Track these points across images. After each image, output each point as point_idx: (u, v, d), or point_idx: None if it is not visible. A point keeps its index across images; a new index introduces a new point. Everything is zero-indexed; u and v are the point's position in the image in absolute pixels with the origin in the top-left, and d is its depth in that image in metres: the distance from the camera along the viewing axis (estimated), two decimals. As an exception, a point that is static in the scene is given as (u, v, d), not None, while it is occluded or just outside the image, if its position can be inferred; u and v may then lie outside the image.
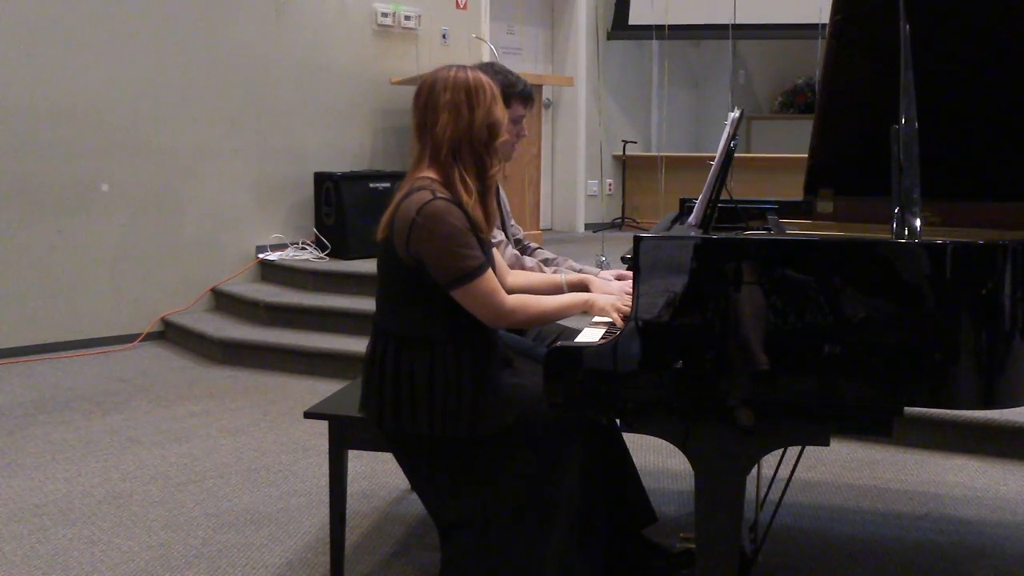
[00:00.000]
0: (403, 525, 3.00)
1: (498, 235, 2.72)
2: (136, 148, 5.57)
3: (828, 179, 2.91)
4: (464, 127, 2.21)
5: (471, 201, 2.20)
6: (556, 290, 2.53)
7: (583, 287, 2.53)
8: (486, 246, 2.25)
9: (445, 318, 2.21)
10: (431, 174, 2.22)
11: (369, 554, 2.79)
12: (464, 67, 2.28)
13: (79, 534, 2.95)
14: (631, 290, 2.51)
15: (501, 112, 2.27)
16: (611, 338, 1.98)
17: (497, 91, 2.28)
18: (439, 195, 2.16)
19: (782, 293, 1.88)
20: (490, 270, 2.20)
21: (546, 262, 2.88)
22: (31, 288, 5.27)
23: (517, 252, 2.80)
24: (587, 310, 2.36)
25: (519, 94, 2.70)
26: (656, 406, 1.99)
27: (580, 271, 2.77)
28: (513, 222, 3.00)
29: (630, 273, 2.50)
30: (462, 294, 2.17)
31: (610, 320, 2.33)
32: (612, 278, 2.65)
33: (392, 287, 2.27)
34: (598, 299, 2.35)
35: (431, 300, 2.20)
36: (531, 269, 2.75)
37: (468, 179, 2.21)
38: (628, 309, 2.39)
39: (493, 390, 2.20)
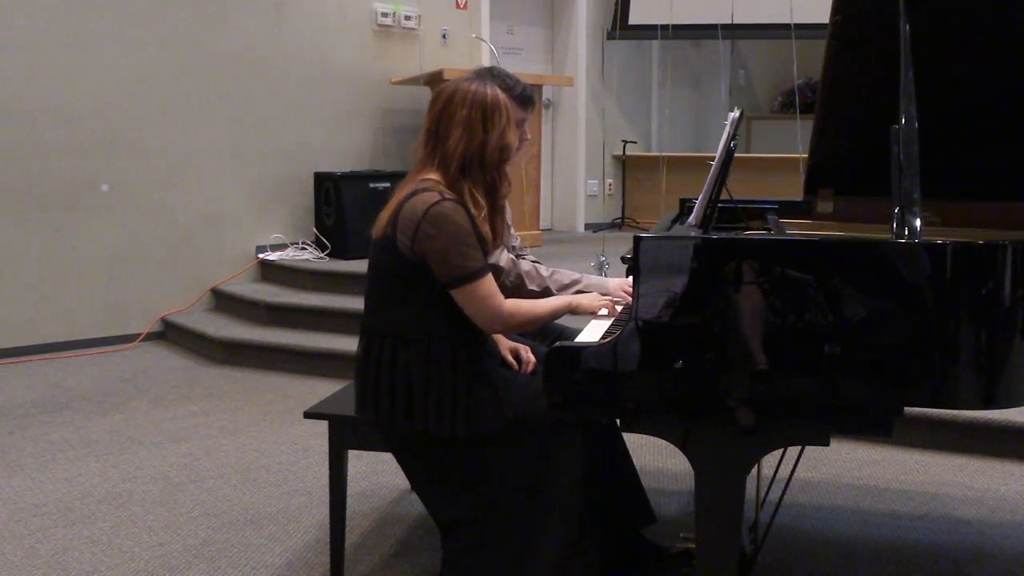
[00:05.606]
0: (403, 525, 3.00)
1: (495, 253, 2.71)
2: (136, 148, 5.57)
3: (828, 179, 2.90)
4: (476, 146, 2.22)
5: (480, 216, 2.21)
6: None
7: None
8: (487, 260, 2.26)
9: (441, 316, 2.21)
10: (436, 177, 2.23)
11: (369, 554, 2.80)
12: (485, 82, 2.28)
13: (79, 534, 2.95)
14: (628, 288, 2.53)
15: (513, 136, 2.29)
16: (611, 338, 1.98)
17: (514, 114, 2.30)
18: (447, 197, 2.17)
19: (782, 293, 1.88)
20: (490, 273, 2.21)
21: None
22: (30, 288, 5.27)
23: (512, 257, 2.79)
24: (573, 310, 2.41)
25: (517, 98, 2.67)
26: (656, 406, 1.99)
27: (576, 279, 2.78)
28: (513, 231, 2.99)
29: (629, 279, 2.51)
30: (462, 294, 2.17)
31: (611, 320, 2.33)
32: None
33: (388, 285, 2.27)
34: (582, 299, 2.44)
35: (427, 298, 2.20)
36: (527, 272, 2.75)
37: (477, 195, 2.23)
38: (609, 299, 2.42)
39: (489, 387, 2.21)
